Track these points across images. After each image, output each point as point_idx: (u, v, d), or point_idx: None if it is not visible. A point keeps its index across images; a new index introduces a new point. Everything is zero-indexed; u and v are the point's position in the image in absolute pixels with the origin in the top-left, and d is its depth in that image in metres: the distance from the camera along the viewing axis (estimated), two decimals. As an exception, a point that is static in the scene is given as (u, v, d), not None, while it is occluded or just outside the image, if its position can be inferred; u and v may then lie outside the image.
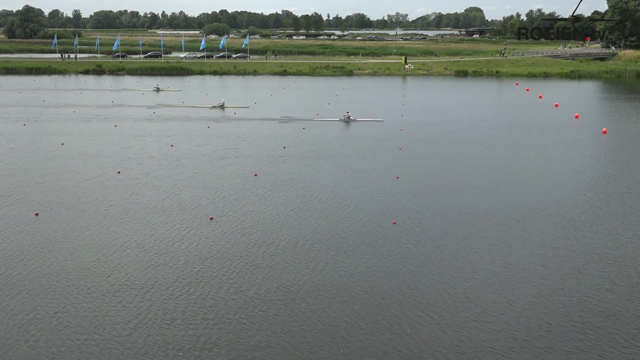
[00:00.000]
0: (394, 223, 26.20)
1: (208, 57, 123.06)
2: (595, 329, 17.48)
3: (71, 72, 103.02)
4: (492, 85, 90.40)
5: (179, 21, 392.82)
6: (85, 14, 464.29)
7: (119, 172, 34.74)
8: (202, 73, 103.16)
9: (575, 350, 16.43)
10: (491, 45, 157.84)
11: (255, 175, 34.34)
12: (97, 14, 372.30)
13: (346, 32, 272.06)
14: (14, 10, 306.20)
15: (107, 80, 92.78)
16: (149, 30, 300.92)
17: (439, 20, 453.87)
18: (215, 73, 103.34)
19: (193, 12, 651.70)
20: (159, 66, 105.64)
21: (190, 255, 22.60)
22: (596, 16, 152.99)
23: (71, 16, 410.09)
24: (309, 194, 30.72)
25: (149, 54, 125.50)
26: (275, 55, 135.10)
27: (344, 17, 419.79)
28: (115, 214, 27.32)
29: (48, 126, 50.93)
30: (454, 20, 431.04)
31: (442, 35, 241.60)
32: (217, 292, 19.62)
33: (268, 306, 18.71)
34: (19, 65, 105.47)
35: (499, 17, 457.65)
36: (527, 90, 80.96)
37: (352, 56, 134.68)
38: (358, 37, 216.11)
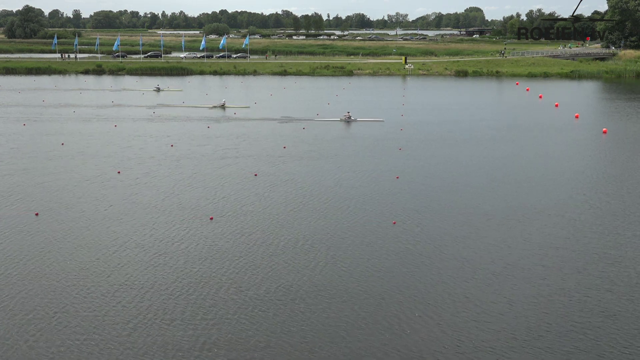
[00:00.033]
0: (394, 223, 26.20)
1: (208, 57, 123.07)
2: (595, 329, 17.47)
3: (71, 72, 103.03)
4: (492, 85, 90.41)
5: (179, 21, 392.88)
6: (85, 14, 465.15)
7: (119, 172, 34.74)
8: (202, 73, 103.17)
9: (575, 350, 16.43)
10: (491, 45, 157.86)
11: (255, 175, 34.34)
12: (97, 14, 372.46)
13: (346, 32, 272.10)
14: (14, 10, 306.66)
15: (107, 80, 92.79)
16: (149, 30, 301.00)
17: (439, 20, 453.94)
18: (215, 73, 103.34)
19: (193, 12, 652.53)
20: (159, 66, 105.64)
21: (190, 255, 22.59)
22: (596, 16, 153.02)
23: (71, 16, 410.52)
24: (309, 194, 30.72)
25: (149, 54, 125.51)
26: (275, 55, 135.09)
27: (344, 17, 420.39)
28: (115, 214, 27.32)
29: (48, 126, 50.93)
30: (454, 20, 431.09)
31: (442, 35, 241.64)
32: (217, 292, 19.62)
33: (268, 306, 18.71)
34: (19, 65, 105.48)
35: (499, 17, 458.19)
36: (527, 90, 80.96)
37: (352, 56, 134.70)
38: (358, 37, 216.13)
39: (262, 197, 30.13)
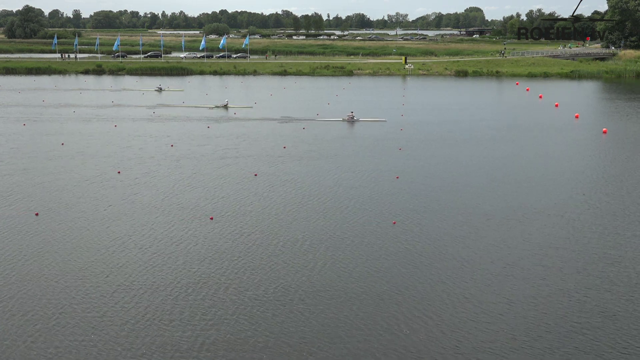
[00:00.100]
0: (394, 223, 26.20)
1: (208, 57, 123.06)
2: (595, 330, 17.47)
3: (71, 72, 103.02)
4: (492, 85, 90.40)
5: (179, 21, 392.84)
6: (85, 14, 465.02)
7: (119, 172, 34.74)
8: (202, 73, 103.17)
9: (575, 350, 16.43)
10: (491, 45, 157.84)
11: (255, 175, 34.34)
12: (97, 14, 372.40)
13: (346, 32, 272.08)
14: (14, 10, 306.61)
15: (107, 80, 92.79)
16: (149, 30, 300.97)
17: (439, 20, 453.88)
18: (215, 73, 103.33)
19: (193, 12, 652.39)
20: (159, 66, 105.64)
21: (190, 256, 22.59)
22: (596, 16, 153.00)
23: (71, 16, 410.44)
24: (309, 194, 30.72)
25: (149, 54, 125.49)
26: (275, 55, 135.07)
27: (344, 17, 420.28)
28: (115, 214, 27.32)
29: (48, 126, 50.93)
30: (454, 20, 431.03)
31: (442, 35, 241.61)
32: (217, 292, 19.61)
33: (267, 306, 18.71)
34: (19, 65, 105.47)
35: (499, 17, 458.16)
36: (527, 90, 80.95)
37: (352, 56, 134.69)
38: (358, 37, 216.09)
39: (262, 197, 30.13)
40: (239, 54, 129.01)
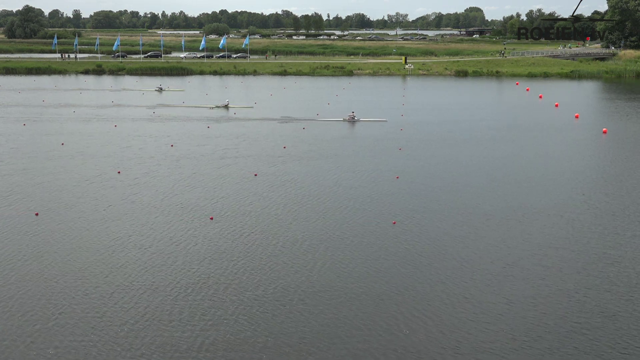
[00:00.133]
0: (394, 223, 26.20)
1: (208, 57, 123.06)
2: (595, 330, 17.47)
3: (71, 72, 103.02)
4: (492, 85, 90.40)
5: (179, 21, 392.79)
6: (85, 14, 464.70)
7: (119, 172, 34.74)
8: (202, 73, 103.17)
9: (575, 350, 16.42)
10: (491, 45, 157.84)
11: (255, 175, 34.34)
12: (97, 14, 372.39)
13: (346, 32, 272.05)
14: (14, 10, 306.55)
15: (107, 80, 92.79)
16: (149, 30, 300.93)
17: (439, 20, 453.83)
18: (215, 73, 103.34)
19: (193, 12, 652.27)
20: (159, 66, 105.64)
21: (190, 256, 22.59)
22: (596, 16, 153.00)
23: (71, 16, 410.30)
24: (309, 194, 30.72)
25: (149, 54, 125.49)
26: (275, 55, 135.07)
27: (344, 17, 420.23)
28: (115, 214, 27.32)
29: (48, 126, 50.93)
30: (454, 20, 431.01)
31: (442, 35, 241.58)
32: (216, 293, 19.61)
33: (267, 307, 18.70)
34: (19, 65, 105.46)
35: (499, 17, 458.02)
36: (527, 90, 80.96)
37: (352, 56, 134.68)
38: (358, 37, 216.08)
39: (262, 197, 30.13)
40: (239, 54, 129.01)
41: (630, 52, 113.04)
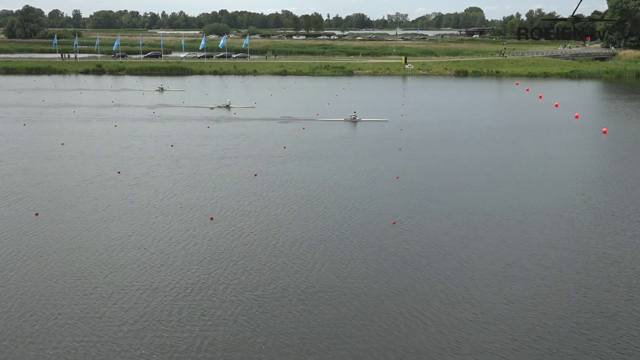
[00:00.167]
0: (394, 223, 26.19)
1: (208, 57, 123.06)
2: (595, 330, 17.46)
3: (71, 72, 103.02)
4: (492, 85, 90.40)
5: (179, 21, 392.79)
6: (85, 14, 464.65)
7: (119, 172, 34.74)
8: (202, 73, 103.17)
9: (575, 351, 16.42)
10: (491, 45, 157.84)
11: (255, 175, 34.33)
12: (97, 14, 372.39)
13: (346, 32, 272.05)
14: (14, 10, 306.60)
15: (107, 80, 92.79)
16: (149, 30, 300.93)
17: (439, 20, 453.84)
18: (215, 73, 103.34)
19: (193, 12, 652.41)
20: (159, 66, 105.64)
21: (189, 256, 22.58)
22: (596, 16, 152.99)
23: (71, 16, 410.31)
24: (308, 194, 30.71)
25: (149, 54, 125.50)
26: (275, 55, 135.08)
27: (344, 17, 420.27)
28: (115, 214, 27.31)
29: (48, 126, 50.93)
30: (454, 20, 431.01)
31: (442, 35, 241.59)
32: (216, 293, 19.60)
33: (267, 307, 18.69)
34: (19, 65, 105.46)
35: (499, 17, 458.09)
36: (527, 90, 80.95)
37: (352, 56, 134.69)
38: (358, 37, 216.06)
39: (262, 197, 30.12)
40: (239, 54, 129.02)
41: (630, 52, 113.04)
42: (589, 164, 37.98)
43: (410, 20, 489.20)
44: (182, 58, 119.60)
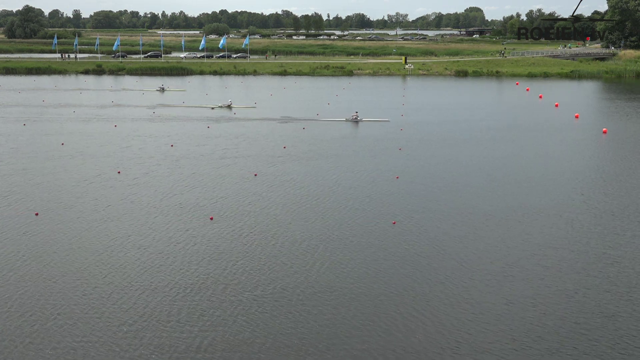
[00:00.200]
0: (394, 223, 26.19)
1: (208, 57, 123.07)
2: (595, 330, 17.46)
3: (71, 72, 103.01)
4: (492, 85, 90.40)
5: (179, 21, 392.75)
6: (85, 14, 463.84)
7: (119, 172, 34.73)
8: (202, 73, 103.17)
9: (574, 351, 16.41)
10: (491, 45, 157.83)
11: (255, 175, 34.33)
12: (97, 14, 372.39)
13: (346, 32, 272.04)
14: (14, 10, 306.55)
15: (107, 80, 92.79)
16: (149, 30, 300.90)
17: (439, 20, 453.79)
18: (215, 73, 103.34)
19: (193, 12, 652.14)
20: (159, 66, 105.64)
21: (189, 256, 22.58)
22: (596, 16, 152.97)
23: (71, 16, 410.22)
24: (308, 194, 30.70)
25: (149, 54, 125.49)
26: (275, 55, 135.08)
27: (344, 17, 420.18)
28: (115, 214, 27.31)
29: (48, 126, 50.93)
30: (454, 20, 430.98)
31: (442, 35, 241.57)
32: (215, 293, 19.60)
33: (266, 307, 18.69)
34: (19, 65, 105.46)
35: (499, 17, 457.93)
36: (527, 90, 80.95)
37: (352, 56, 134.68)
38: (358, 37, 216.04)
39: (262, 197, 30.12)
40: (239, 54, 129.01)
41: (630, 52, 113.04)
42: (589, 164, 37.97)
43: (410, 20, 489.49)
44: (182, 58, 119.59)
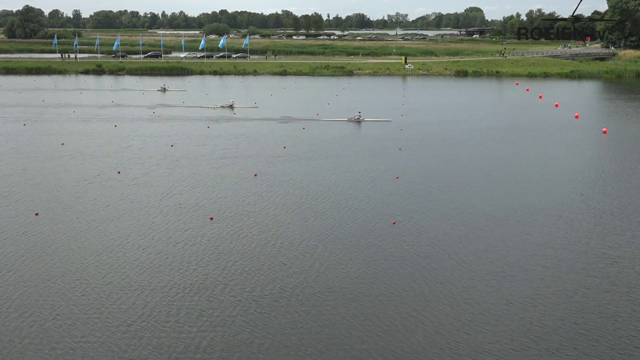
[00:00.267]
0: (394, 223, 26.18)
1: (208, 57, 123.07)
2: (594, 330, 17.45)
3: (71, 72, 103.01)
4: (492, 85, 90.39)
5: (179, 21, 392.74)
6: (85, 14, 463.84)
7: (119, 172, 34.73)
8: (202, 73, 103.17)
9: (574, 351, 16.40)
10: (491, 45, 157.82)
11: (255, 175, 34.32)
12: (97, 14, 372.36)
13: (346, 32, 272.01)
14: (14, 10, 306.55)
15: (107, 80, 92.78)
16: (149, 30, 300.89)
17: (439, 20, 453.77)
18: (215, 73, 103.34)
19: (193, 12, 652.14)
20: (159, 66, 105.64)
21: (189, 256, 22.57)
22: (596, 16, 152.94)
23: (71, 16, 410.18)
24: (308, 194, 30.70)
25: (149, 54, 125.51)
26: (275, 55, 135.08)
27: (344, 17, 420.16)
28: (115, 214, 27.30)
29: (48, 126, 50.92)
30: (454, 20, 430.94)
31: (442, 35, 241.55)
32: (215, 293, 19.59)
33: (266, 307, 18.68)
34: (19, 65, 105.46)
35: (499, 17, 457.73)
36: (527, 90, 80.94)
37: (352, 56, 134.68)
38: (358, 37, 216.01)
39: (262, 197, 30.11)
40: (239, 54, 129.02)
41: (630, 52, 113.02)
42: (588, 164, 37.96)
43: (410, 20, 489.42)
44: (182, 58, 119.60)
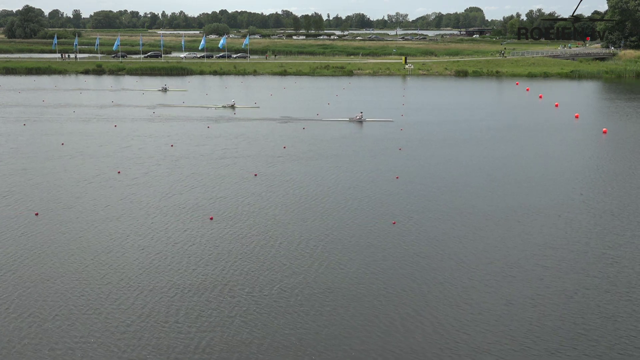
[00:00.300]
0: (394, 223, 26.18)
1: (208, 57, 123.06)
2: (594, 330, 17.44)
3: (71, 72, 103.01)
4: (492, 85, 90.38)
5: (179, 21, 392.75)
6: (85, 14, 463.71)
7: (118, 172, 34.73)
8: (202, 73, 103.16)
9: (574, 351, 16.39)
10: (491, 45, 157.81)
11: (255, 175, 34.32)
12: (97, 14, 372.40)
13: (346, 32, 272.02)
14: (14, 10, 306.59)
15: (107, 80, 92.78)
16: (149, 30, 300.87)
17: (439, 20, 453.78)
18: (215, 73, 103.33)
19: (193, 12, 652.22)
20: (159, 66, 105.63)
21: (189, 256, 22.57)
22: (596, 16, 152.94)
23: (71, 16, 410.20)
24: (308, 194, 30.69)
25: (149, 54, 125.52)
26: (275, 55, 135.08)
27: (344, 17, 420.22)
28: (114, 214, 27.29)
29: (48, 126, 50.92)
30: (454, 20, 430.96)
31: (442, 35, 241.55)
32: (215, 293, 19.58)
33: (265, 308, 18.67)
34: (19, 65, 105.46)
35: (499, 17, 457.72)
36: (527, 90, 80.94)
37: (352, 56, 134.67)
38: (358, 37, 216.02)
39: (262, 197, 30.10)
40: (239, 54, 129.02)
41: (630, 52, 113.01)
42: (588, 164, 37.96)
43: (410, 20, 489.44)
44: (182, 58, 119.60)
